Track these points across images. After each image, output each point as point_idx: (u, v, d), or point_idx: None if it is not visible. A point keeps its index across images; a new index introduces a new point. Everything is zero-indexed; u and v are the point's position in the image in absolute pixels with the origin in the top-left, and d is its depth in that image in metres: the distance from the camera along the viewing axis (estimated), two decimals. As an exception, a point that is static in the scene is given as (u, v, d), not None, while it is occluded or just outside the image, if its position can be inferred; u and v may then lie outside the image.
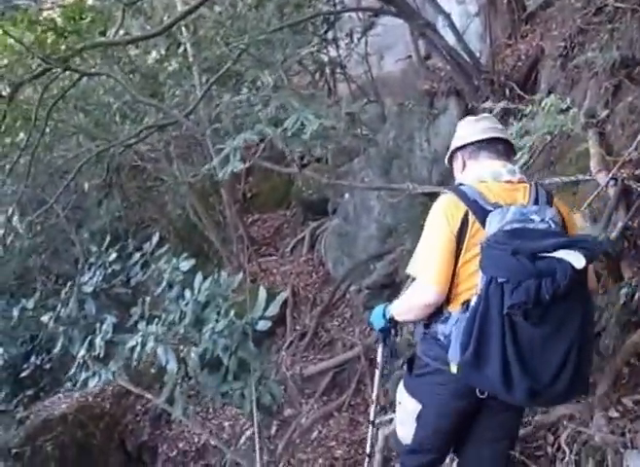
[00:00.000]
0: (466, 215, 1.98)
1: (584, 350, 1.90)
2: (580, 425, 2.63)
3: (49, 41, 5.99)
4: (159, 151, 7.18)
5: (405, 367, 2.36)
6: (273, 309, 3.49)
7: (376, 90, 6.21)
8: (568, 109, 3.81)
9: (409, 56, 6.25)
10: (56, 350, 4.15)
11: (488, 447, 2.23)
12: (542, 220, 1.93)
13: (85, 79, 6.24)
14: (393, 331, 2.37)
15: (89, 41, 5.18)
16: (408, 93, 5.61)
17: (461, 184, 2.13)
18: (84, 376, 3.78)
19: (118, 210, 7.89)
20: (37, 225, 6.25)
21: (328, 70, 6.34)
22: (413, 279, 2.15)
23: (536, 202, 2.01)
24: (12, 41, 5.50)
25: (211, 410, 5.58)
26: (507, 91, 4.95)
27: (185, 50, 5.96)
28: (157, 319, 3.58)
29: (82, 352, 3.72)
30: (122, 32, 5.32)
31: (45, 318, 4.17)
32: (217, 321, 3.41)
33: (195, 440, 5.46)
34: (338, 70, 6.35)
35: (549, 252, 1.81)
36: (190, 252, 4.40)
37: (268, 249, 7.71)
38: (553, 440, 2.83)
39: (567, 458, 2.65)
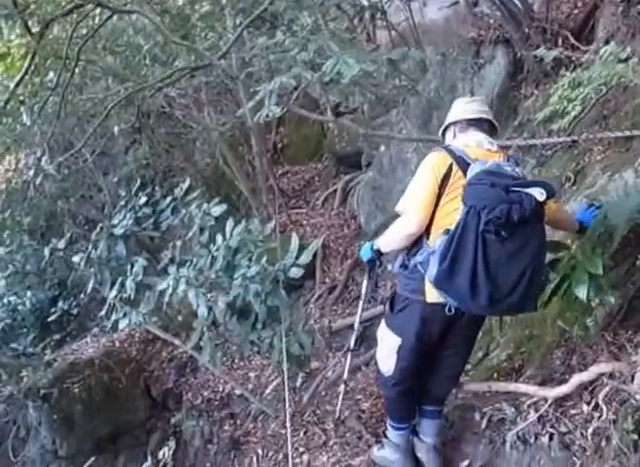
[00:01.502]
0: (450, 166, 2.51)
1: (536, 273, 2.39)
2: (620, 383, 2.56)
3: (79, -23, 5.76)
4: (189, 97, 7.00)
5: (386, 306, 2.88)
6: (306, 257, 3.37)
7: (418, 39, 5.90)
8: (627, 59, 3.54)
9: (455, 3, 5.90)
10: (88, 291, 4.09)
11: (453, 357, 2.88)
12: (512, 170, 2.46)
13: (114, 19, 6.04)
14: (378, 263, 2.89)
15: (120, -24, 4.97)
16: (453, 42, 5.30)
17: (450, 145, 2.65)
18: (114, 317, 3.74)
19: (145, 158, 7.80)
20: (65, 169, 6.18)
21: (367, 16, 6.02)
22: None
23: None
24: (41, -24, 5.30)
25: (237, 360, 5.57)
26: (560, 41, 4.66)
27: (218, -11, 5.71)
28: (187, 263, 3.49)
29: (112, 294, 3.66)
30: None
31: (76, 258, 4.11)
32: (249, 267, 3.30)
33: (220, 389, 5.45)
34: (378, 16, 6.02)
35: (519, 187, 2.34)
36: (222, 203, 4.27)
37: (298, 202, 7.55)
38: (590, 398, 2.74)
39: (604, 417, 2.59)
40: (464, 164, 2.49)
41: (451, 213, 2.48)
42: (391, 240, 2.73)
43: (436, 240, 2.50)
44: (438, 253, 2.42)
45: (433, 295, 2.54)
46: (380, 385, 3.27)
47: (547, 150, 4.12)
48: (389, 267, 2.89)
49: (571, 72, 3.86)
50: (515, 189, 2.33)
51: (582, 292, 2.24)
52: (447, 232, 2.44)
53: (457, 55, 5.21)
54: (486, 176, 2.38)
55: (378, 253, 2.86)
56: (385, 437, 3.16)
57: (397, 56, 5.11)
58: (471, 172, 2.44)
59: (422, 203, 2.54)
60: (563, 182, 3.74)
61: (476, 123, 2.72)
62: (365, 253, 2.92)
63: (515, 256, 2.34)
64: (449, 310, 2.51)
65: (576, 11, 4.93)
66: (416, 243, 2.60)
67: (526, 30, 4.75)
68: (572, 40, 4.67)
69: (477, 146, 2.62)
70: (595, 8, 4.78)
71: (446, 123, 2.82)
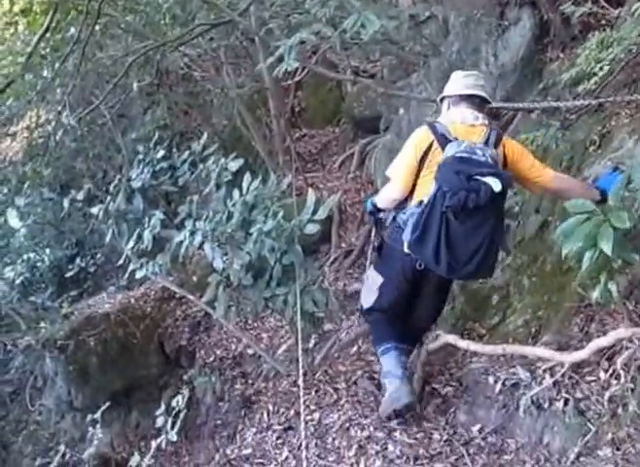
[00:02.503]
0: (431, 144, 2.91)
1: (490, 248, 2.83)
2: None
3: None
4: (207, 58, 6.92)
5: (375, 252, 3.51)
6: (323, 212, 3.33)
7: (441, 2, 5.73)
8: (662, 19, 3.41)
9: (482, -37, 5.68)
10: (106, 242, 4.11)
11: (429, 300, 3.32)
12: (483, 154, 2.79)
13: (135, -23, 5.96)
14: (379, 214, 3.31)
15: None
16: (477, 4, 5.14)
17: (437, 122, 3.02)
18: (132, 267, 3.75)
19: (163, 118, 7.77)
20: (84, 126, 6.17)
21: (390, -23, 5.87)
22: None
23: (486, 142, 2.87)
24: None
25: (250, 321, 5.60)
26: (589, 2, 4.48)
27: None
28: (204, 218, 3.47)
29: (130, 245, 3.67)
30: None
31: (94, 210, 4.13)
32: (264, 222, 3.28)
33: (233, 348, 5.50)
34: (401, -23, 5.87)
35: (481, 176, 2.70)
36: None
37: (315, 165, 7.49)
38: (608, 365, 2.72)
39: (622, 383, 2.57)
40: (444, 142, 2.87)
41: (428, 185, 2.89)
42: (382, 200, 3.24)
43: (414, 204, 2.97)
44: (411, 222, 2.90)
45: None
46: (363, 318, 4.04)
47: (571, 113, 4.00)
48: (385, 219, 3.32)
49: (601, 32, 3.72)
50: (476, 177, 2.71)
51: (606, 246, 2.19)
52: (421, 203, 2.89)
53: (481, 17, 5.05)
54: (455, 162, 2.77)
55: (376, 207, 3.30)
56: (382, 374, 3.40)
57: (419, 11, 4.99)
58: (447, 152, 2.83)
59: (403, 176, 3.02)
60: (587, 145, 3.64)
61: (467, 97, 3.02)
62: (368, 206, 3.39)
63: (471, 234, 2.78)
64: (419, 265, 3.01)
65: (608, -30, 4.73)
66: (403, 203, 3.07)
67: (554, -9, 4.59)
68: (602, 2, 4.49)
69: (461, 122, 2.96)
70: (629, -33, 4.59)
71: (442, 94, 3.14)
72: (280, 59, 3.67)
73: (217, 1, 4.90)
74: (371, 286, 3.36)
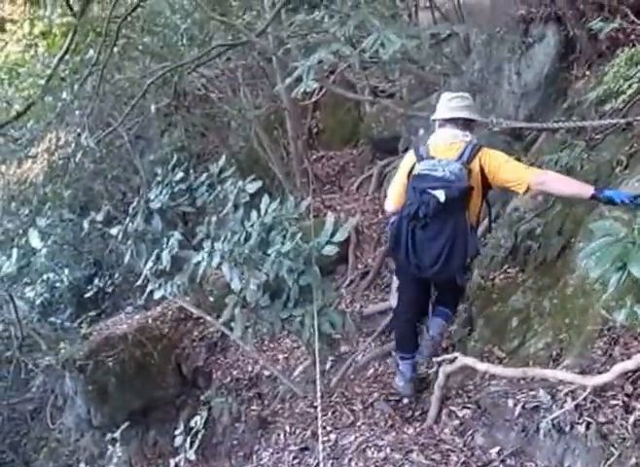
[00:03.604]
0: (414, 164, 3.34)
1: (452, 251, 3.23)
2: None
3: (119, -46, 5.77)
4: (225, 78, 6.98)
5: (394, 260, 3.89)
6: (341, 235, 3.32)
7: (462, 20, 5.72)
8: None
9: (503, -19, 5.66)
10: (125, 262, 4.13)
11: (441, 293, 3.72)
12: (442, 170, 3.16)
13: (153, -1, 6.05)
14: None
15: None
16: (499, 21, 5.09)
17: (424, 144, 3.42)
18: (149, 287, 3.76)
19: (180, 140, 7.84)
20: (103, 148, 6.25)
21: (410, -5, 5.90)
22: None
23: (459, 158, 3.19)
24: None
25: (266, 342, 5.57)
26: (618, 18, 4.39)
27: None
28: (222, 239, 3.47)
29: (148, 265, 3.68)
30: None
31: (114, 231, 4.16)
32: (282, 243, 3.27)
33: (249, 369, 5.49)
34: (422, -5, 5.90)
35: (431, 189, 3.14)
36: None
37: (333, 187, 7.50)
38: (633, 389, 2.64)
39: None
40: (421, 160, 3.30)
41: None
42: (386, 212, 3.74)
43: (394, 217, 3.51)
44: (391, 230, 3.43)
45: None
46: (392, 319, 4.49)
47: (597, 133, 3.91)
48: None
49: (630, 49, 3.65)
50: (427, 191, 3.15)
51: (637, 269, 2.13)
52: (397, 215, 3.41)
53: (504, 35, 5.00)
54: (416, 179, 3.25)
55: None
56: (397, 366, 3.93)
57: (440, 30, 4.96)
58: (415, 170, 3.30)
59: (395, 194, 3.50)
60: (614, 166, 3.55)
61: (451, 119, 3.34)
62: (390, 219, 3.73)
63: (433, 239, 3.24)
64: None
65: (638, -16, 4.65)
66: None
67: (581, 6, 4.45)
68: (632, 17, 4.37)
69: (441, 141, 3.33)
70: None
71: (433, 117, 3.49)
72: (298, 80, 3.67)
73: (234, 22, 4.94)
74: (394, 289, 4.10)
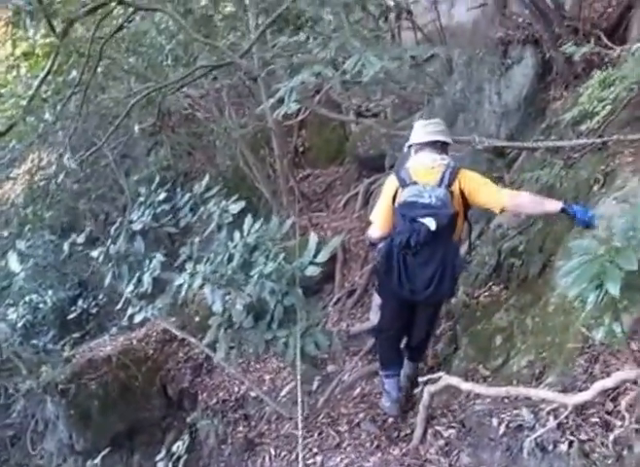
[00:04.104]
0: (397, 189, 3.39)
1: (444, 274, 3.34)
2: None
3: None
4: (210, 98, 7.00)
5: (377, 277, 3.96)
6: (324, 255, 3.32)
7: (444, 40, 5.80)
8: (662, 58, 3.43)
9: (483, 4, 5.77)
10: (105, 285, 4.09)
11: (421, 318, 3.77)
12: (429, 196, 3.25)
13: (138, 20, 6.07)
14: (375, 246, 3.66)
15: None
16: (480, 43, 5.19)
17: (404, 168, 3.45)
18: (130, 311, 3.73)
19: (166, 159, 7.83)
20: (87, 167, 6.22)
21: (392, 16, 5.96)
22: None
23: (440, 183, 3.29)
24: (67, -24, 5.35)
25: (252, 362, 5.53)
26: (592, 41, 4.50)
27: (241, -12, 5.69)
28: (204, 260, 3.46)
29: (129, 288, 3.65)
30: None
31: (95, 253, 4.13)
32: (265, 264, 3.26)
33: (235, 390, 5.42)
34: (404, 17, 5.96)
35: (420, 218, 3.21)
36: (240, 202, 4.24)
37: (319, 205, 7.50)
38: (613, 406, 2.65)
39: (627, 425, 2.49)
40: (404, 185, 3.36)
41: None
42: (370, 237, 3.68)
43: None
44: (381, 256, 3.49)
45: None
46: (374, 337, 4.44)
47: (575, 152, 3.99)
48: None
49: (602, 71, 3.73)
50: (417, 219, 3.22)
51: (613, 288, 2.14)
52: (387, 241, 3.45)
53: (484, 56, 5.10)
54: (403, 207, 3.32)
55: (371, 241, 3.75)
56: (383, 386, 3.95)
57: (421, 53, 5.04)
58: (401, 197, 3.35)
59: (381, 218, 3.54)
60: (592, 184, 3.62)
61: (428, 143, 3.46)
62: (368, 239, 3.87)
63: (424, 265, 3.34)
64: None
65: (610, 9, 4.77)
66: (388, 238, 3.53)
67: (557, 30, 4.61)
68: (605, 40, 4.48)
69: (421, 165, 3.41)
70: (630, 7, 4.63)
71: (408, 143, 3.59)
72: (281, 101, 3.70)
73: (218, 43, 4.97)
74: (375, 307, 4.13)
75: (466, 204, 3.40)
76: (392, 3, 5.47)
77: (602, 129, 3.75)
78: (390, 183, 3.50)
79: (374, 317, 4.10)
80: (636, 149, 3.56)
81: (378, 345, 4.11)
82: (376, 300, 4.09)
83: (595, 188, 3.58)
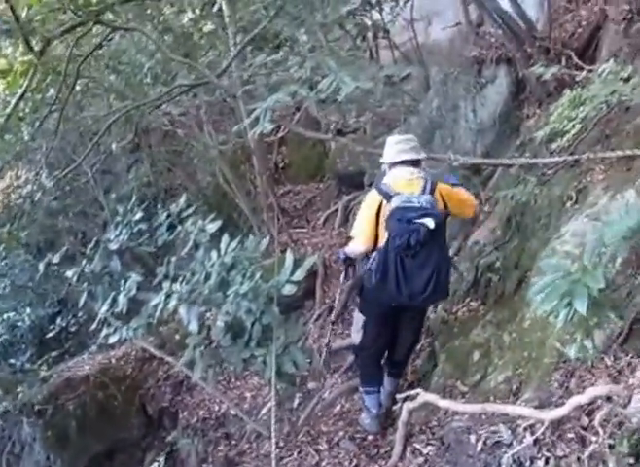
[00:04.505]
0: (381, 202, 3.46)
1: (440, 274, 3.41)
2: (617, 406, 2.47)
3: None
4: (190, 116, 7.02)
5: (358, 296, 4.01)
6: (300, 274, 3.31)
7: (421, 59, 5.89)
8: (629, 78, 3.51)
9: (458, 24, 5.88)
10: (80, 305, 4.05)
11: (407, 330, 3.87)
12: (418, 201, 3.36)
13: (116, 38, 6.08)
14: (350, 262, 3.81)
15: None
16: (455, 61, 5.28)
17: (383, 183, 3.54)
18: (105, 331, 3.69)
19: (146, 176, 7.80)
20: (65, 185, 6.17)
21: (370, 35, 6.04)
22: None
23: (423, 191, 3.43)
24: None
25: (233, 380, 5.49)
26: (563, 60, 4.60)
27: (220, 9, 5.73)
28: (181, 279, 3.44)
29: (104, 309, 3.61)
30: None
31: (69, 273, 4.09)
32: (242, 284, 3.25)
33: (216, 408, 5.38)
34: (382, 35, 6.04)
35: (417, 219, 3.28)
36: (219, 220, 4.24)
37: (300, 221, 7.51)
38: (587, 422, 2.65)
39: (601, 440, 2.48)
40: (389, 197, 3.42)
41: (385, 234, 3.43)
42: (350, 253, 3.74)
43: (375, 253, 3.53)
44: (374, 267, 3.46)
45: None
46: (354, 355, 4.40)
47: (548, 169, 4.07)
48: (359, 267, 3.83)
49: (572, 91, 3.82)
50: (415, 221, 3.27)
51: (581, 306, 2.18)
52: (380, 250, 3.46)
53: (459, 75, 5.19)
54: (398, 212, 3.33)
55: (347, 257, 3.79)
56: (363, 403, 4.03)
57: (396, 72, 5.12)
58: (392, 204, 3.37)
59: (364, 233, 3.56)
60: (565, 201, 3.69)
61: (401, 161, 3.58)
62: (340, 256, 3.90)
63: (422, 266, 3.37)
64: (393, 303, 3.58)
65: (579, 30, 4.86)
66: (371, 253, 3.56)
67: (529, 49, 4.70)
68: (575, 59, 4.59)
69: (400, 178, 3.52)
70: (598, 28, 4.75)
71: (382, 160, 3.71)
72: (257, 120, 3.72)
73: (195, 64, 4.99)
74: (357, 325, 4.00)
75: (446, 213, 3.56)
76: (369, 22, 5.55)
77: (573, 147, 3.83)
78: (372, 198, 3.55)
79: (356, 336, 4.00)
80: (607, 166, 3.63)
81: (360, 362, 4.11)
82: (358, 318, 4.00)
83: (568, 205, 3.65)
